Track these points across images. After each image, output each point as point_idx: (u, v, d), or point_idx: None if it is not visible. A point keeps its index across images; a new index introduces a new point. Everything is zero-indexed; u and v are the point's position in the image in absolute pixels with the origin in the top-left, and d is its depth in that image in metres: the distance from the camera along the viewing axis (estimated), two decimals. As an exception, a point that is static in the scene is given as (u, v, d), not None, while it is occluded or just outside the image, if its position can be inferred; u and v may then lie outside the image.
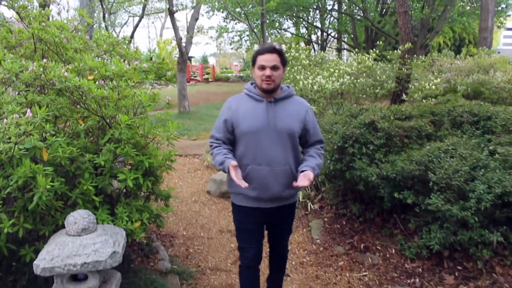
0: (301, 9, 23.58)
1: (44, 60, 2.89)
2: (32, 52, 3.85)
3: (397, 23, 17.13)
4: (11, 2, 4.02)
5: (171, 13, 13.86)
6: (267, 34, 20.32)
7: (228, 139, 2.82)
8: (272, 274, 3.30)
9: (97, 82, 3.10)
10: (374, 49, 7.46)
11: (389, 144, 4.16)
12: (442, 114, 4.43)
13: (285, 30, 28.05)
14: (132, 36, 17.37)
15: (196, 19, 15.07)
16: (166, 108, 3.37)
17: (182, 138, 9.81)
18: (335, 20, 25.59)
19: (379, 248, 4.19)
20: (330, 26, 26.92)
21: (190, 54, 18.39)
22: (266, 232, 3.06)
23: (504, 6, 21.35)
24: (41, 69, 2.85)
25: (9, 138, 2.54)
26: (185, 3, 16.16)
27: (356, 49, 9.90)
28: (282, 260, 3.23)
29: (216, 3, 17.30)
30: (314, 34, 29.01)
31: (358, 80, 6.39)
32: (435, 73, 8.83)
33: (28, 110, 2.59)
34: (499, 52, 20.22)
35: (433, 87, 6.41)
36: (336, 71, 6.37)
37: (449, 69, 9.26)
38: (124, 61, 3.70)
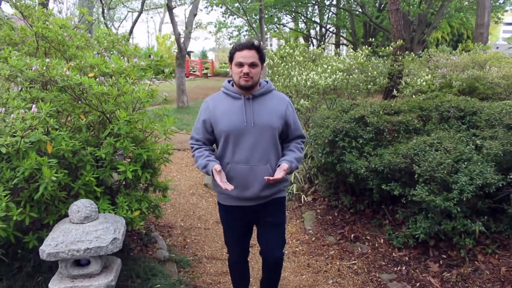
0: (300, 4, 23.67)
1: (47, 60, 3.02)
2: (35, 49, 4.01)
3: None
4: (14, 1, 4.17)
5: (169, 8, 13.99)
6: (265, 29, 20.44)
7: (208, 139, 2.80)
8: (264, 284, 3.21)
9: (97, 79, 3.25)
10: (367, 46, 7.63)
11: (378, 138, 4.33)
12: (430, 109, 4.60)
13: (284, 25, 28.13)
14: (131, 32, 17.51)
15: (195, 15, 15.21)
16: (163, 104, 3.51)
17: (181, 133, 9.98)
18: (334, 15, 25.67)
19: (368, 238, 4.37)
20: (328, 21, 27.01)
21: (189, 49, 18.50)
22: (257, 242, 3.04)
23: (501, 1, 21.46)
24: (44, 67, 2.99)
25: (15, 132, 2.70)
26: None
27: (349, 46, 10.04)
28: (274, 276, 3.09)
29: (215, -1, 17.45)
30: (313, 29, 29.10)
31: (351, 76, 6.56)
32: (431, 69, 8.98)
33: (33, 105, 2.75)
34: (497, 48, 20.38)
35: (424, 83, 6.57)
36: (329, 67, 6.53)
37: (445, 65, 9.36)
38: (123, 58, 3.86)
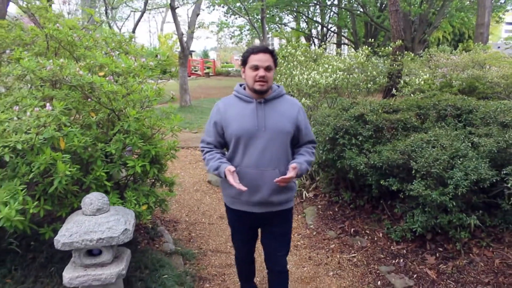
0: (301, 4, 23.79)
1: (61, 60, 3.16)
2: (45, 49, 4.15)
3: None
4: (26, 3, 4.31)
5: (172, 8, 14.12)
6: (267, 28, 20.58)
7: (219, 142, 2.78)
8: None
9: (107, 78, 3.39)
10: (367, 46, 7.77)
11: (377, 136, 4.47)
12: (428, 107, 4.74)
13: (285, 24, 28.27)
14: (134, 31, 17.63)
15: (197, 15, 15.33)
16: (170, 102, 3.65)
17: (184, 131, 10.13)
18: (335, 15, 25.79)
19: (367, 232, 4.51)
20: (330, 21, 27.13)
21: (190, 49, 18.65)
22: (262, 251, 3.07)
23: (503, 1, 21.55)
24: (58, 67, 3.14)
25: (29, 129, 2.85)
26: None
27: (350, 45, 10.20)
28: (282, 283, 3.07)
29: (217, -1, 17.61)
30: (314, 29, 29.22)
31: (351, 76, 6.70)
32: (432, 68, 9.10)
33: (48, 104, 2.90)
34: (499, 47, 20.47)
35: (422, 82, 6.70)
36: (330, 67, 6.68)
37: (445, 64, 9.44)
38: (130, 57, 4.00)
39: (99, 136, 3.56)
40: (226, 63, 44.53)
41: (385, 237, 4.35)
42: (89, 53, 4.02)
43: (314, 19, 27.18)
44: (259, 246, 3.18)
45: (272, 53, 2.64)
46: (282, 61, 7.29)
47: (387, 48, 8.48)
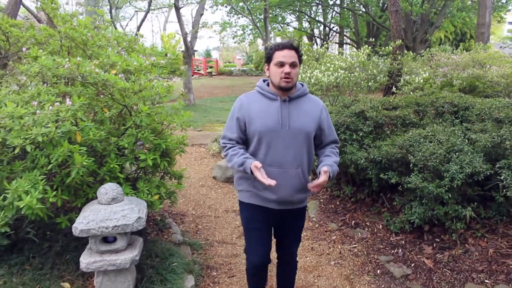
0: (304, 4, 23.96)
1: (78, 58, 3.35)
2: (59, 48, 4.34)
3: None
4: (40, 4, 4.50)
5: (177, 8, 14.32)
6: (269, 28, 20.75)
7: (241, 138, 2.73)
8: None
9: (119, 75, 3.57)
10: (367, 46, 7.95)
11: (377, 131, 4.65)
12: (426, 104, 4.92)
13: (288, 24, 28.42)
14: (138, 31, 17.83)
15: (201, 15, 15.53)
16: (180, 99, 3.83)
17: (189, 129, 10.25)
18: (337, 14, 25.94)
19: (368, 224, 4.69)
20: (332, 21, 27.28)
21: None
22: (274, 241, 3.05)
23: (504, 1, 21.65)
24: (75, 65, 3.32)
25: (47, 123, 3.03)
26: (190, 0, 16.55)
27: (352, 45, 10.39)
28: (290, 273, 3.16)
29: (220, -1, 17.81)
30: (317, 29, 29.37)
31: (352, 74, 6.89)
32: (433, 68, 9.25)
33: (68, 99, 3.08)
34: (501, 47, 20.57)
35: (421, 80, 6.88)
36: (332, 66, 6.86)
37: (446, 64, 9.56)
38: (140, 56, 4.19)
39: (112, 131, 3.75)
40: (229, 62, 44.72)
41: (384, 229, 4.52)
42: (102, 52, 4.21)
43: (317, 18, 27.33)
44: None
45: (297, 49, 2.61)
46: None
47: (387, 47, 8.65)
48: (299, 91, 2.71)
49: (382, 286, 3.70)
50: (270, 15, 21.00)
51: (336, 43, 28.53)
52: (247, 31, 25.89)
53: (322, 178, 2.50)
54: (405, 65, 9.09)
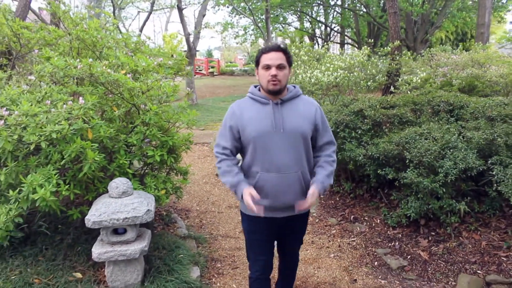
0: (305, 4, 24.10)
1: (90, 60, 3.51)
2: (69, 49, 4.51)
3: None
4: (50, 6, 4.67)
5: (179, 9, 14.50)
6: (271, 28, 20.90)
7: (235, 147, 2.67)
8: (279, 284, 3.28)
9: (127, 75, 3.74)
10: (366, 46, 8.12)
11: (375, 129, 4.82)
12: (423, 103, 5.09)
13: (289, 24, 28.55)
14: (141, 31, 18.02)
15: (203, 15, 15.69)
16: (186, 98, 4.00)
17: (192, 128, 10.49)
18: (339, 15, 26.07)
19: (366, 218, 4.86)
20: (333, 21, 27.42)
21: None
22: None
23: (504, 1, 21.76)
24: (87, 66, 3.49)
25: (60, 121, 3.20)
26: (193, 1, 16.74)
27: (353, 45, 10.57)
28: (291, 271, 3.19)
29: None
30: (318, 29, 29.50)
31: (352, 74, 7.06)
32: (433, 67, 9.38)
33: (80, 98, 3.25)
34: (501, 47, 20.68)
35: (419, 80, 7.05)
36: (331, 66, 7.04)
37: (446, 64, 9.66)
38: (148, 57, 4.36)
39: (120, 128, 3.92)
40: (230, 62, 44.87)
41: (382, 223, 4.69)
42: (110, 53, 4.38)
43: (318, 19, 27.47)
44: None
45: (284, 51, 2.53)
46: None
47: (386, 48, 8.82)
48: (291, 93, 2.64)
49: (379, 277, 3.86)
50: (271, 15, 21.16)
51: (337, 43, 28.69)
52: (248, 31, 26.04)
53: (309, 201, 2.51)
54: (406, 65, 9.25)
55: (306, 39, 29.81)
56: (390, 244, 4.34)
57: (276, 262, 3.28)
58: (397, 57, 9.09)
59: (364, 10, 21.55)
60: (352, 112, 4.91)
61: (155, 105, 3.69)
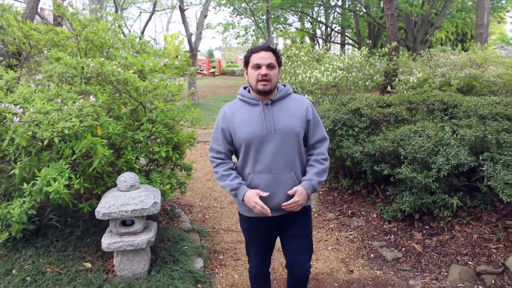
0: (306, 5, 24.26)
1: (102, 58, 3.70)
2: (77, 50, 4.70)
3: (399, 18, 17.93)
4: (57, 8, 4.85)
5: (181, 10, 14.69)
6: (272, 28, 21.08)
7: (229, 150, 2.66)
8: None
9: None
10: (364, 47, 8.31)
11: (372, 127, 5.01)
12: (418, 102, 5.27)
13: (290, 25, 28.71)
14: (143, 32, 18.21)
15: (205, 16, 15.88)
16: (190, 97, 4.18)
17: (195, 127, 10.70)
18: (339, 15, 26.23)
19: (363, 213, 5.04)
20: (334, 21, 27.57)
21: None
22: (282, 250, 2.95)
23: (504, 1, 21.88)
24: (99, 65, 3.67)
25: (71, 118, 3.37)
26: (195, 2, 16.97)
27: (353, 45, 10.76)
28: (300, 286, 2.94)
29: (224, 0, 18.16)
30: (319, 29, 29.66)
31: (350, 74, 7.25)
32: (432, 68, 9.54)
33: (91, 96, 3.44)
34: (502, 47, 20.79)
35: (416, 80, 7.23)
36: (331, 66, 7.23)
37: (445, 64, 9.77)
38: (154, 58, 4.54)
39: (127, 126, 4.10)
40: (231, 62, 45.04)
41: (378, 218, 4.87)
42: (116, 53, 4.57)
43: (318, 19, 27.63)
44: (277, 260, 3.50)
45: (274, 51, 2.53)
46: (287, 61, 7.85)
47: (383, 49, 9.02)
48: (282, 92, 2.61)
49: (375, 268, 4.04)
50: (272, 16, 21.32)
51: (337, 43, 28.84)
52: (249, 31, 26.20)
53: (295, 199, 2.51)
54: (405, 65, 9.42)
55: (307, 39, 30.00)
56: (385, 237, 4.52)
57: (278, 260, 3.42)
58: (394, 58, 9.29)
59: (364, 10, 21.72)
60: (350, 111, 5.10)
61: (162, 104, 3.87)
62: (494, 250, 3.96)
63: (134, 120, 4.19)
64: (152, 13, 18.30)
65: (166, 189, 3.91)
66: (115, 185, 3.60)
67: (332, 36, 29.04)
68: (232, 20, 23.01)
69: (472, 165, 4.08)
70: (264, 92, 2.51)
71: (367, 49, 8.26)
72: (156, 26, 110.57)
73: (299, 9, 25.05)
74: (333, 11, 26.47)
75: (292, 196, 2.55)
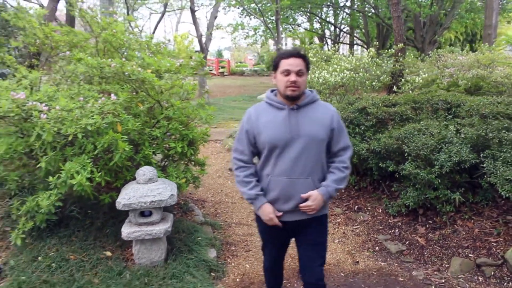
0: (315, 6, 24.37)
1: (124, 59, 3.92)
2: (95, 50, 4.92)
3: (407, 19, 18.05)
4: (77, 10, 5.08)
5: (192, 11, 14.93)
6: (281, 29, 21.25)
7: (252, 152, 2.68)
8: None
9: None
10: (371, 49, 8.50)
11: (377, 126, 5.20)
12: (422, 102, 5.46)
13: (299, 25, 28.80)
14: (153, 32, 18.47)
15: (215, 17, 16.11)
16: (204, 95, 4.40)
17: (205, 126, 10.93)
18: (348, 15, 26.29)
19: (369, 208, 5.24)
20: (342, 22, 27.62)
21: (206, 49, 19.50)
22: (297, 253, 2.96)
23: (513, 1, 21.81)
24: (119, 65, 3.89)
25: (93, 116, 3.59)
26: (205, 3, 17.23)
27: (362, 46, 10.94)
28: None
29: (233, 1, 18.38)
30: (327, 29, 29.74)
31: (357, 75, 7.45)
32: (440, 68, 9.64)
33: (112, 95, 3.66)
34: (501, 49, 20.76)
35: (421, 80, 7.40)
36: (338, 67, 7.43)
37: (452, 65, 9.81)
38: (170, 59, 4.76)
39: (144, 123, 4.32)
40: (240, 62, 45.29)
41: (383, 212, 5.07)
42: (133, 54, 4.80)
43: (327, 20, 27.71)
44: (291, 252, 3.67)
45: (304, 57, 2.54)
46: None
47: (390, 50, 9.21)
48: (308, 98, 2.61)
49: (380, 259, 4.24)
50: (281, 17, 21.49)
51: (346, 43, 28.93)
52: (258, 31, 26.35)
53: (309, 203, 2.55)
54: (413, 66, 9.55)
55: (316, 39, 30.13)
56: (390, 231, 4.71)
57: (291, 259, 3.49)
58: (401, 59, 9.46)
59: (373, 11, 21.80)
60: (356, 110, 5.30)
61: (179, 102, 4.09)
62: (494, 244, 4.14)
63: (151, 118, 4.41)
64: (163, 14, 18.57)
65: (182, 182, 4.13)
66: (134, 179, 3.82)
67: (341, 36, 29.10)
68: (241, 21, 23.25)
69: (474, 162, 4.26)
70: (292, 97, 2.52)
71: (374, 50, 8.45)
72: (166, 27, 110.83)
73: (308, 10, 25.17)
74: (342, 11, 26.55)
75: (306, 200, 2.59)
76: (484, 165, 4.11)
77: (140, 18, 40.21)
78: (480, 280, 3.80)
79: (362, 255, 4.35)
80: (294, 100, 2.55)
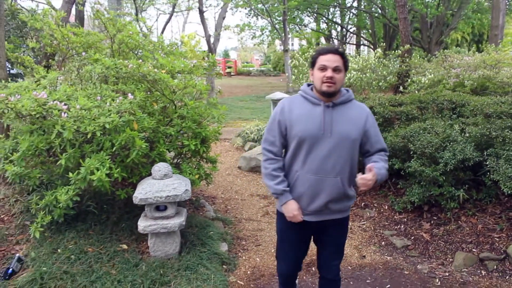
0: (322, 6, 24.49)
1: (140, 60, 4.08)
2: (111, 51, 5.10)
3: (414, 20, 18.12)
4: (95, 12, 5.25)
5: (201, 12, 15.10)
6: (288, 29, 21.39)
7: (281, 143, 2.64)
8: None
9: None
10: (378, 50, 8.64)
11: (384, 125, 5.34)
12: (428, 101, 5.59)
13: (305, 25, 28.94)
14: (162, 32, 18.66)
15: (223, 18, 16.28)
16: (217, 95, 4.56)
17: (213, 125, 11.10)
18: (355, 16, 26.39)
19: (375, 205, 5.38)
20: (349, 22, 27.72)
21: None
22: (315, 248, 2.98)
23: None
24: (136, 66, 4.06)
25: (110, 114, 3.76)
26: (213, 3, 17.37)
27: (369, 46, 11.06)
28: None
29: (241, 1, 18.56)
30: (334, 30, 29.84)
31: (364, 75, 7.58)
32: (447, 68, 9.73)
33: (130, 94, 3.83)
34: (506, 50, 20.69)
35: (427, 81, 7.53)
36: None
37: (459, 65, 9.86)
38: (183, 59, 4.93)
39: (159, 121, 4.49)
40: (247, 62, 45.47)
41: (389, 209, 5.21)
42: (148, 55, 4.96)
43: (334, 20, 27.82)
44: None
45: (342, 55, 2.50)
46: (304, 62, 8.19)
47: (397, 51, 9.35)
48: (344, 96, 2.58)
49: (386, 254, 4.38)
50: (288, 17, 21.62)
51: (353, 44, 29.01)
52: (265, 32, 26.53)
53: (369, 174, 2.40)
54: (420, 66, 9.65)
55: (323, 40, 30.25)
56: (396, 227, 4.85)
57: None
58: (407, 60, 9.59)
59: (380, 12, 21.90)
60: (363, 109, 5.45)
61: (193, 101, 4.25)
62: (497, 239, 4.27)
63: (164, 116, 4.58)
64: (171, 15, 18.74)
65: (195, 178, 4.29)
66: (149, 175, 3.99)
67: (347, 37, 29.21)
68: (249, 21, 23.41)
69: (478, 160, 4.38)
70: (328, 93, 2.48)
71: (380, 51, 8.59)
72: (173, 27, 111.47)
73: (315, 10, 25.30)
74: (348, 12, 26.65)
75: (335, 202, 2.58)
76: (488, 163, 4.24)
77: (148, 18, 40.47)
78: (483, 274, 3.93)
79: (369, 249, 4.49)
80: (330, 97, 2.51)
